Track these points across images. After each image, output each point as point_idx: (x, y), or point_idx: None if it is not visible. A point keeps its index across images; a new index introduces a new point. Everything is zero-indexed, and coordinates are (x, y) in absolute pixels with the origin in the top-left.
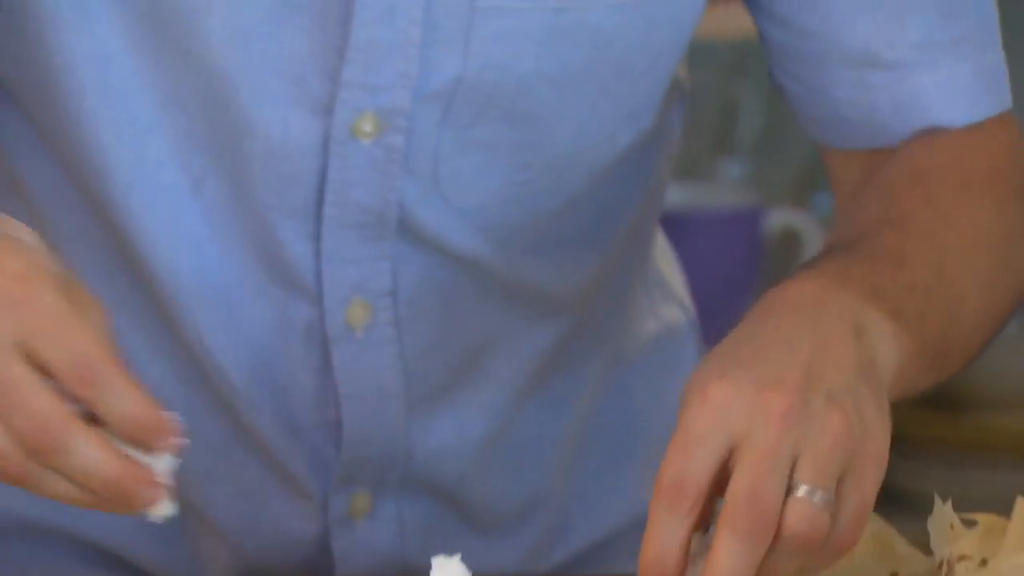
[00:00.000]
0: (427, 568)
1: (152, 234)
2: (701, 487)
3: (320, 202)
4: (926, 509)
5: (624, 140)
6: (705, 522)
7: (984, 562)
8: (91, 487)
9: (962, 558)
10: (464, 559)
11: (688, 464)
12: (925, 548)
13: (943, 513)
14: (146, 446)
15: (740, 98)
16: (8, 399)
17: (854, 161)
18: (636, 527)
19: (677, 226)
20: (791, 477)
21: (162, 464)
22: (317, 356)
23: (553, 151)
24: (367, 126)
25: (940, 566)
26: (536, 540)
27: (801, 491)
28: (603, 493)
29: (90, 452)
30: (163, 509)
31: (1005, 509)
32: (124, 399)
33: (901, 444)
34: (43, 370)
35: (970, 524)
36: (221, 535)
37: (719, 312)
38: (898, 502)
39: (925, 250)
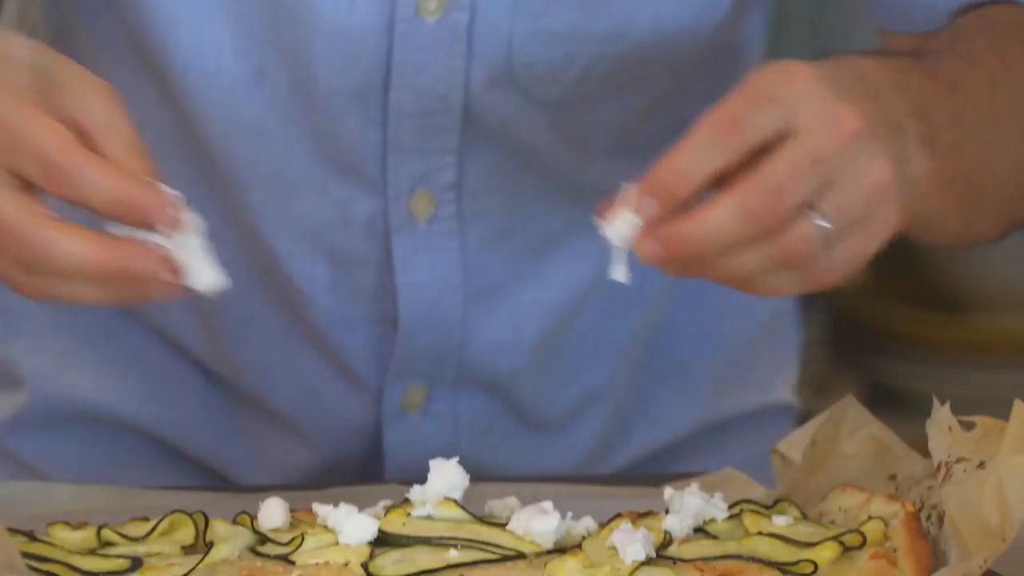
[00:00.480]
0: (481, 466)
1: (210, 119)
2: (750, 136)
3: (386, 86)
4: (925, 411)
5: (703, 32)
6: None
7: (982, 464)
8: (89, 277)
9: (960, 460)
10: (520, 458)
11: (749, 112)
12: (924, 449)
13: (941, 415)
14: (142, 223)
15: None
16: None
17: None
18: (700, 434)
19: None
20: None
21: (183, 248)
22: (378, 249)
23: (632, 41)
24: (431, 3)
25: (938, 468)
26: (594, 442)
27: (814, 213)
28: (667, 397)
29: (72, 245)
30: (197, 279)
31: (1003, 411)
32: (102, 184)
33: (901, 345)
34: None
35: (968, 426)
36: (279, 425)
37: None
38: (897, 403)
39: (980, 86)
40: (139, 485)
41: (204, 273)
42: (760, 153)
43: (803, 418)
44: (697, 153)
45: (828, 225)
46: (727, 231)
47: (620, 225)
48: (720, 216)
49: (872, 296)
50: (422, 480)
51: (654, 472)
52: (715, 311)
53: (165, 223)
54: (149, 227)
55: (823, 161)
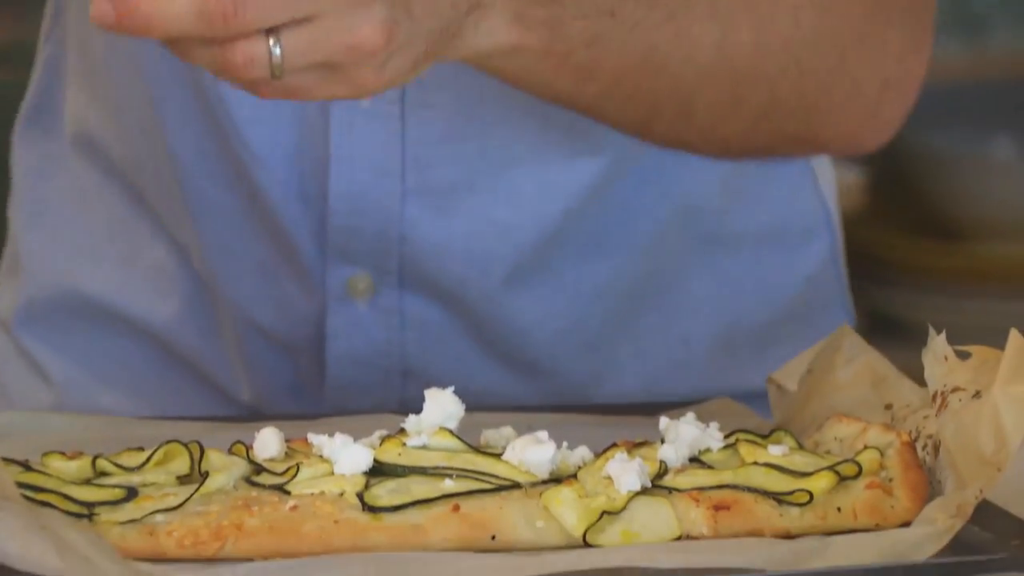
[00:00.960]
0: (429, 377)
1: None
2: None
3: None
4: (922, 340)
5: None
6: None
7: (978, 394)
8: None
9: (956, 390)
10: (475, 382)
11: None
12: (921, 379)
13: (937, 345)
14: None
15: None
16: None
17: None
18: (681, 369)
19: None
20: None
21: None
22: (322, 123)
23: None
24: None
25: (934, 398)
26: (572, 389)
27: (272, 40)
28: (669, 362)
29: None
30: None
31: (1002, 340)
32: None
33: (899, 273)
34: None
35: (964, 356)
36: (241, 309)
37: None
38: (895, 332)
39: None
40: (135, 385)
41: None
42: None
43: None
44: None
45: (279, 57)
46: (176, 22)
47: None
48: (176, 5)
49: (870, 224)
50: (365, 383)
51: (650, 402)
52: (733, 283)
53: None
54: None
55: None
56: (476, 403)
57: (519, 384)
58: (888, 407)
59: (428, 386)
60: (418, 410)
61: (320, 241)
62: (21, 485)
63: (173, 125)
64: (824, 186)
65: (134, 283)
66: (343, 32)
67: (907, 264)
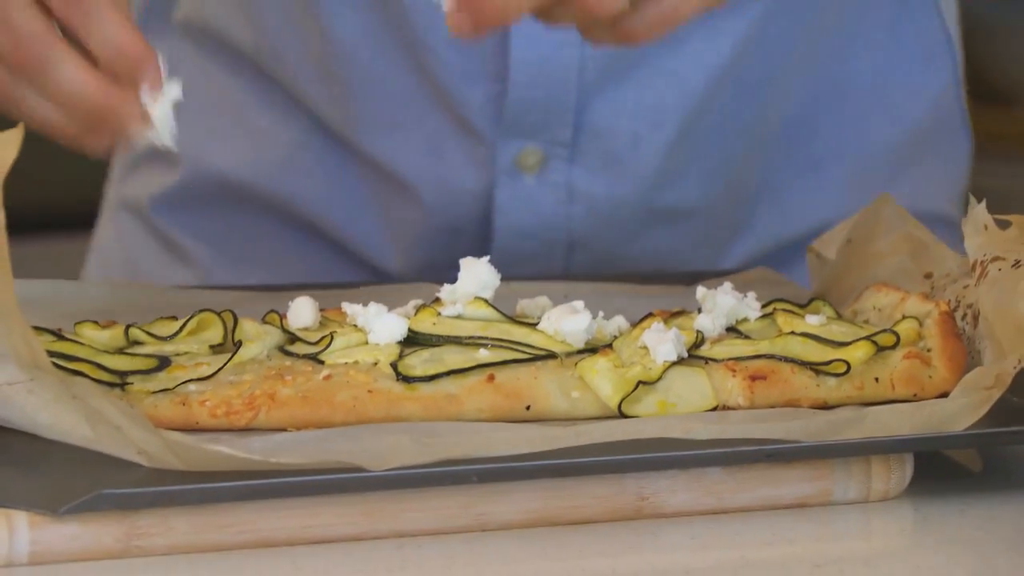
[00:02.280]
0: (592, 246)
1: None
2: None
3: None
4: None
5: None
6: None
7: (1017, 263)
8: (71, 105)
9: (996, 259)
10: (639, 244)
11: None
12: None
13: (977, 214)
14: (130, 76)
15: None
16: None
17: None
18: (814, 197)
19: None
20: None
21: (158, 108)
22: None
23: None
24: None
25: (973, 267)
26: (721, 231)
27: None
28: (800, 190)
29: (70, 69)
30: (158, 136)
31: None
32: (111, 25)
33: None
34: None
35: (1005, 225)
36: (403, 188)
37: None
38: None
39: None
40: (275, 263)
41: (163, 134)
42: None
43: None
44: None
45: None
46: None
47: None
48: None
49: None
50: (530, 254)
51: (688, 270)
52: (860, 108)
53: (152, 83)
54: (134, 81)
55: None
56: (635, 271)
57: (671, 239)
58: (928, 276)
59: (593, 257)
60: (583, 279)
61: (492, 116)
62: (53, 354)
63: (331, 7)
64: (945, 9)
65: (271, 162)
66: None
67: None
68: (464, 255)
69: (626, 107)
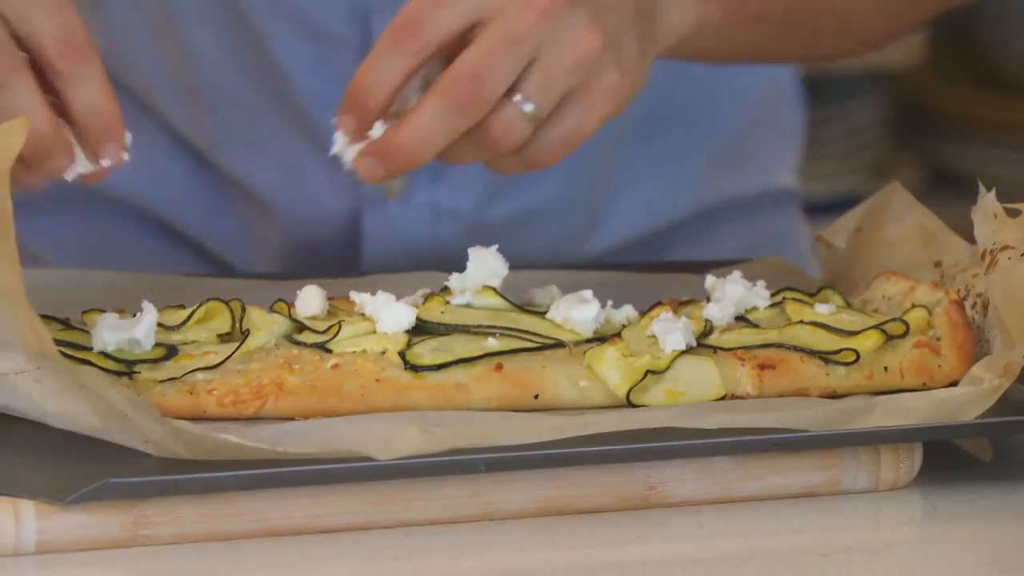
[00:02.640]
0: (464, 261)
1: None
2: (432, 38)
3: None
4: (975, 193)
5: None
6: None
7: None
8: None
9: (1005, 248)
10: (504, 246)
11: (429, 13)
12: (970, 233)
13: (987, 202)
14: (97, 142)
15: None
16: None
17: None
18: (692, 220)
19: None
20: (519, 76)
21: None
22: (358, 30)
23: None
24: None
25: (983, 256)
26: (581, 226)
27: (516, 97)
28: (658, 182)
29: (27, 97)
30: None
31: None
32: (96, 88)
33: (962, 127)
34: (18, 40)
35: (1014, 213)
36: (262, 205)
37: None
38: (957, 186)
39: None
40: (133, 265)
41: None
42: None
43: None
44: (381, 65)
45: (531, 107)
46: (437, 130)
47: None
48: (426, 117)
49: (933, 78)
50: (400, 270)
51: (697, 260)
52: (710, 95)
53: (112, 157)
54: (97, 147)
55: (518, 42)
56: (561, 263)
57: (538, 239)
58: (937, 265)
59: (462, 267)
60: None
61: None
62: (60, 343)
63: (188, 23)
64: None
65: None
66: (565, 52)
67: (971, 117)
68: (329, 268)
69: None
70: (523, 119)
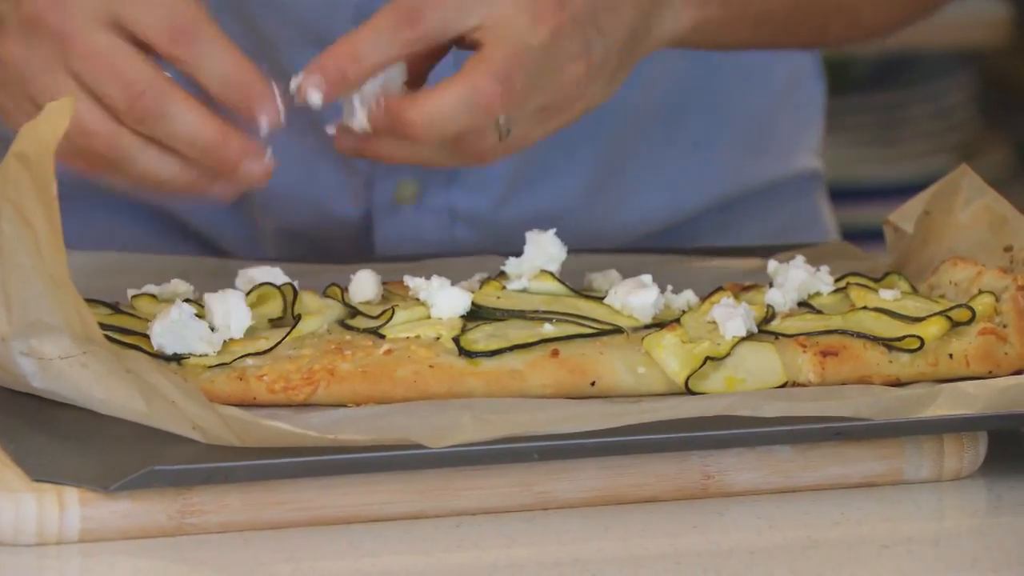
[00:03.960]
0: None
1: None
2: (432, 31)
3: None
4: None
5: None
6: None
7: None
8: (191, 154)
9: None
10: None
11: (437, 6)
12: None
13: None
14: (247, 110)
15: None
16: (98, 69)
17: None
18: (717, 208)
19: None
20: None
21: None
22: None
23: None
24: None
25: None
26: (603, 220)
27: (502, 119)
28: (682, 172)
29: (189, 115)
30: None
31: None
32: (224, 58)
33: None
34: (134, 41)
35: None
36: (271, 206)
37: None
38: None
39: None
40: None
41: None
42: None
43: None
44: (374, 41)
45: (505, 121)
46: (455, 122)
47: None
48: (450, 105)
49: (1016, 57)
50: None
51: (761, 245)
52: (730, 81)
53: (269, 115)
54: (250, 116)
55: (529, 59)
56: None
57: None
58: (1008, 249)
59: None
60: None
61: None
62: (108, 328)
63: None
64: None
65: None
66: (551, 78)
67: None
68: (342, 263)
69: None
70: (497, 131)
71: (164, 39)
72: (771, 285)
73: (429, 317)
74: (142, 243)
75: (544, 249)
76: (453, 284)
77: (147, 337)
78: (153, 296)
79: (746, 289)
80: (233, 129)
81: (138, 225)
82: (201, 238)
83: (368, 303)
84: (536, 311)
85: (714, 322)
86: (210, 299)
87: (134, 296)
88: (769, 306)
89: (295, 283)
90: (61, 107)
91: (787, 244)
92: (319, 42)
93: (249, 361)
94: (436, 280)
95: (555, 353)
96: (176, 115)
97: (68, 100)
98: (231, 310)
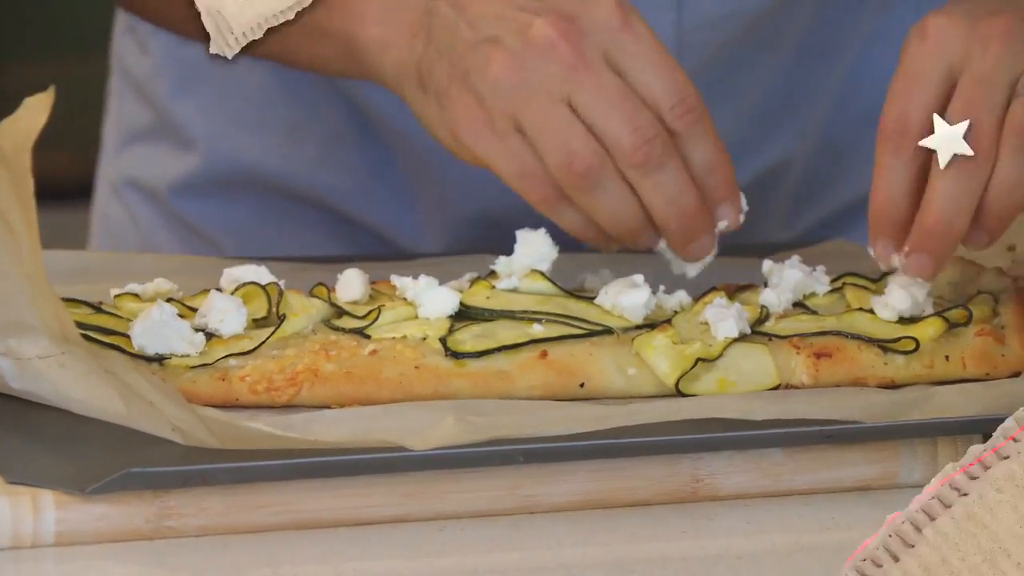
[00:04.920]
0: None
1: None
2: (925, 125)
3: None
4: None
5: None
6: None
7: None
8: (663, 210)
9: None
10: None
11: (910, 105)
12: None
13: None
14: (712, 199)
15: None
16: (609, 107)
17: None
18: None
19: None
20: (1014, 87)
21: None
22: None
23: None
24: None
25: None
26: (786, 205)
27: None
28: (861, 151)
29: (680, 176)
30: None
31: None
32: (712, 144)
33: None
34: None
35: None
36: (456, 191)
37: None
38: None
39: None
40: (309, 253)
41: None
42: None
43: None
44: (893, 175)
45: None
46: (957, 192)
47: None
48: (943, 185)
49: None
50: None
51: (755, 243)
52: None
53: (731, 219)
54: (713, 202)
55: (993, 71)
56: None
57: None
58: (1011, 248)
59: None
60: None
61: None
62: (90, 327)
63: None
64: None
65: (304, 156)
66: None
67: None
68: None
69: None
70: None
71: (670, 106)
72: (766, 285)
73: (416, 317)
74: (316, 237)
75: (535, 248)
76: (442, 283)
77: (129, 337)
78: (136, 295)
79: (740, 289)
80: (705, 205)
81: (311, 222)
82: (373, 231)
83: (355, 303)
84: (525, 311)
85: (706, 323)
86: (212, 299)
87: (117, 295)
88: (763, 306)
89: (280, 282)
90: (39, 103)
91: (780, 243)
92: None
93: (232, 362)
94: (424, 279)
95: (544, 354)
96: (671, 170)
97: (47, 95)
98: (227, 314)
